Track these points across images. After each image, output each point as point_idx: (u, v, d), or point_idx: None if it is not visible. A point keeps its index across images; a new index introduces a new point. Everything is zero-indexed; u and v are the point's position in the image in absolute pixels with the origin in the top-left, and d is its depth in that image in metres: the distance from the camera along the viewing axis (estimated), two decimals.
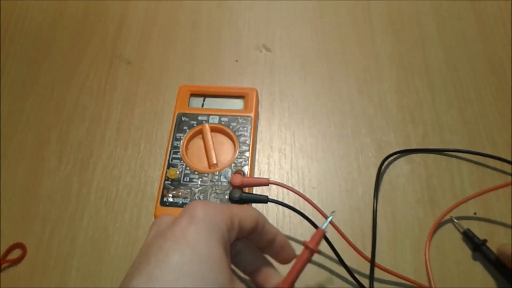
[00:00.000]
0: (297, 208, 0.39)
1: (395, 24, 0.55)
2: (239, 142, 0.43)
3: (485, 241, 0.40)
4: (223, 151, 0.43)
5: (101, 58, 0.54)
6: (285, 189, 0.43)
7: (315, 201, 0.41)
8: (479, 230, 0.42)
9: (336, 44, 0.54)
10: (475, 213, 0.43)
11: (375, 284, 0.39)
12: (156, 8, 0.57)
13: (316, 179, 0.45)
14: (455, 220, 0.42)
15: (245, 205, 0.28)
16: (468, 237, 0.41)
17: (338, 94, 0.50)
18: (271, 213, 0.43)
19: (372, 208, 0.43)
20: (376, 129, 0.48)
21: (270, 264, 0.31)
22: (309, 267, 0.40)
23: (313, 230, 0.40)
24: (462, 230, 0.41)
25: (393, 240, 0.41)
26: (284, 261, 0.31)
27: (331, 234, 0.39)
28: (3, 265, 0.41)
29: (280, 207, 0.43)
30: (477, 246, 0.40)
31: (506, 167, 0.45)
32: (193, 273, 0.23)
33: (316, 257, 0.41)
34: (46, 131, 0.49)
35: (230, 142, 0.44)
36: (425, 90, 0.50)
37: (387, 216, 0.43)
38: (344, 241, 0.40)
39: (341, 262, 0.40)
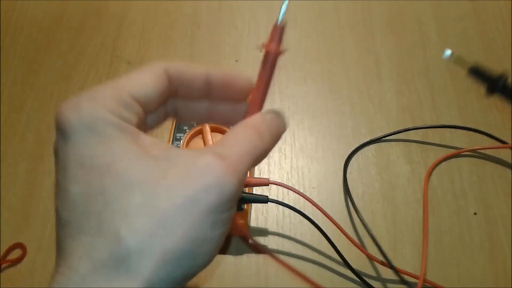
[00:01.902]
0: (297, 208, 0.39)
1: (395, 24, 0.55)
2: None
3: (503, 77, 0.30)
4: None
5: (101, 58, 0.54)
6: (285, 189, 0.43)
7: (315, 201, 0.41)
8: (479, 230, 0.42)
9: (336, 44, 0.54)
10: (475, 213, 0.43)
11: (377, 283, 0.39)
12: (156, 8, 0.57)
13: (316, 179, 0.45)
14: (454, 56, 0.31)
15: (143, 69, 0.22)
16: (480, 72, 0.30)
17: (338, 94, 0.50)
18: (271, 213, 0.43)
19: (371, 208, 0.43)
20: (376, 129, 0.48)
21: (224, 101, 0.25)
22: (310, 266, 0.40)
23: (314, 230, 0.40)
24: (469, 65, 0.30)
25: (393, 240, 0.41)
26: (241, 96, 0.25)
27: (331, 234, 0.40)
28: (3, 265, 0.41)
29: (280, 207, 0.43)
30: (493, 84, 0.30)
31: (506, 166, 0.45)
32: (96, 193, 0.19)
33: (316, 257, 0.41)
34: (46, 131, 0.49)
35: None
36: (425, 90, 0.50)
37: (387, 216, 0.43)
38: (344, 241, 0.40)
39: (343, 260, 0.40)
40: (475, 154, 0.46)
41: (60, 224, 0.20)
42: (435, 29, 0.55)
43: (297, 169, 0.46)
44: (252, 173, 0.44)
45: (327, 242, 0.39)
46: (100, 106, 0.20)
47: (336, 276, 0.40)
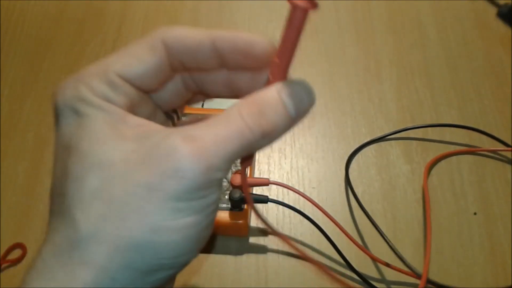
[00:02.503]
0: (297, 208, 0.39)
1: (395, 24, 0.55)
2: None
3: None
4: None
5: (101, 58, 0.53)
6: (285, 189, 0.43)
7: (315, 201, 0.41)
8: (479, 230, 0.42)
9: (336, 44, 0.54)
10: (475, 213, 0.43)
11: (378, 283, 0.39)
12: (156, 8, 0.57)
13: (316, 179, 0.45)
14: None
15: (135, 43, 0.20)
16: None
17: (338, 94, 0.50)
18: (271, 213, 0.43)
19: (371, 208, 0.43)
20: (376, 129, 0.48)
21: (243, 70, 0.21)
22: (310, 266, 0.40)
23: (314, 230, 0.40)
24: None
25: (393, 240, 0.41)
26: (259, 63, 0.20)
27: (332, 234, 0.40)
28: (3, 265, 0.41)
29: (280, 207, 0.43)
30: None
31: (506, 166, 0.45)
32: (69, 176, 0.18)
33: (316, 257, 0.41)
34: (46, 131, 0.49)
35: None
36: (425, 90, 0.50)
37: (387, 216, 0.43)
38: (345, 241, 0.40)
39: (344, 260, 0.40)
40: (475, 153, 0.46)
41: (52, 198, 0.19)
42: (435, 29, 0.55)
43: (297, 169, 0.46)
44: (252, 173, 0.44)
45: (327, 242, 0.39)
46: (84, 87, 0.19)
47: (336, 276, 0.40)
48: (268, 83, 0.19)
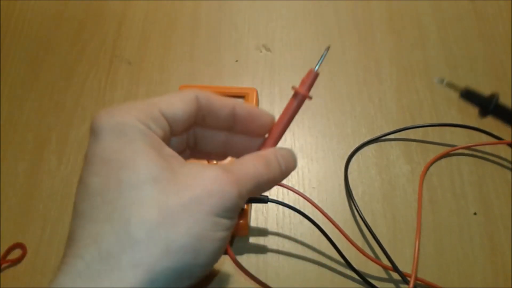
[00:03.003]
0: (297, 208, 0.39)
1: (395, 24, 0.55)
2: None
3: (494, 97, 0.28)
4: None
5: (101, 58, 0.54)
6: (285, 189, 0.43)
7: (315, 201, 0.41)
8: (479, 230, 0.42)
9: (336, 44, 0.54)
10: (475, 213, 0.43)
11: (378, 283, 0.39)
12: (156, 8, 0.57)
13: (316, 179, 0.45)
14: (445, 81, 0.29)
15: (176, 93, 0.25)
16: (471, 96, 0.29)
17: (338, 94, 0.50)
18: (271, 213, 0.43)
19: (371, 208, 0.43)
20: (376, 129, 0.48)
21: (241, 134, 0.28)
22: (310, 266, 0.40)
23: (314, 230, 0.40)
24: (460, 89, 0.29)
25: (393, 240, 0.41)
26: (262, 131, 0.27)
27: (332, 234, 0.40)
28: (3, 265, 0.41)
29: (280, 207, 0.43)
30: (485, 105, 0.29)
31: (506, 166, 0.45)
32: (113, 184, 0.21)
33: (316, 257, 0.41)
34: (46, 131, 0.49)
35: None
36: (425, 90, 0.50)
37: (387, 216, 0.43)
38: (345, 241, 0.40)
39: (344, 260, 0.40)
40: (475, 153, 0.46)
41: (75, 216, 0.21)
42: (435, 29, 0.55)
43: (297, 169, 0.46)
44: None
45: (328, 242, 0.39)
46: (130, 115, 0.22)
47: (337, 276, 0.40)
48: (262, 146, 0.26)
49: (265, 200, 0.39)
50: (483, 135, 0.47)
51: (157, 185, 0.20)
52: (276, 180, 0.25)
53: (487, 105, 0.28)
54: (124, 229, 0.19)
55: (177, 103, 0.24)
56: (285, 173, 0.26)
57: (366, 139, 0.47)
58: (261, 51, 0.54)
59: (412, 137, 0.47)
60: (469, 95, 0.29)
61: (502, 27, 0.55)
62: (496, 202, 0.43)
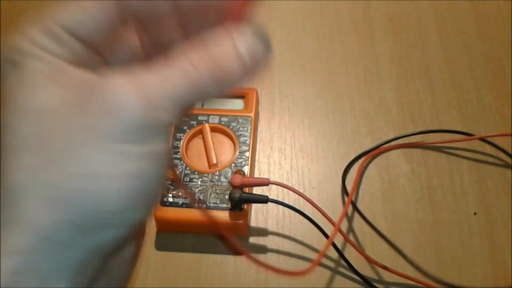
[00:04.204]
0: (297, 208, 0.39)
1: (395, 24, 0.55)
2: (239, 142, 0.43)
3: None
4: (223, 151, 0.43)
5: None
6: (285, 189, 0.43)
7: (315, 201, 0.41)
8: (479, 230, 0.42)
9: (336, 44, 0.54)
10: (475, 213, 0.43)
11: (378, 283, 0.39)
12: None
13: (316, 179, 0.45)
14: None
15: None
16: None
17: (338, 94, 0.50)
18: (271, 213, 0.43)
19: (371, 208, 0.43)
20: (376, 129, 0.48)
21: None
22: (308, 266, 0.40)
23: (314, 230, 0.40)
24: None
25: (393, 240, 0.41)
26: (219, 19, 0.19)
27: (330, 233, 0.40)
28: None
29: (280, 207, 0.43)
30: None
31: (506, 166, 0.45)
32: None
33: (316, 256, 0.41)
34: None
35: (230, 142, 0.44)
36: (425, 90, 0.50)
37: (387, 216, 0.43)
38: (344, 242, 0.40)
39: (344, 260, 0.40)
40: (475, 153, 0.46)
41: None
42: (435, 29, 0.55)
43: (297, 169, 0.46)
44: (252, 173, 0.44)
45: (327, 239, 0.39)
46: (23, 38, 0.17)
47: (337, 276, 0.40)
48: (221, 21, 0.18)
49: (265, 200, 0.39)
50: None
51: (37, 121, 0.16)
52: (234, 77, 0.17)
53: None
54: (3, 180, 0.16)
55: (81, 9, 0.18)
56: (251, 67, 0.17)
57: (366, 139, 0.47)
58: None
59: (413, 138, 0.47)
60: None
61: (502, 27, 0.55)
62: (496, 202, 0.43)
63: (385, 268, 0.39)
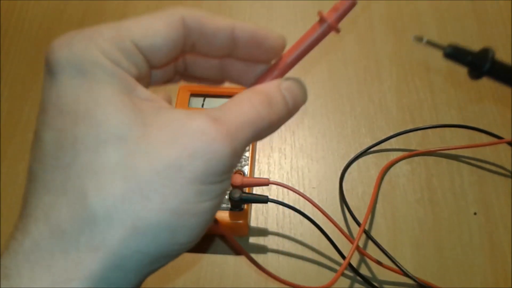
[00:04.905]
0: (297, 208, 0.39)
1: (395, 24, 0.55)
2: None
3: (488, 52, 0.22)
4: None
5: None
6: (285, 189, 0.43)
7: (315, 201, 0.41)
8: (479, 230, 0.42)
9: (336, 44, 0.54)
10: (475, 213, 0.43)
11: (378, 283, 0.39)
12: (156, 8, 0.57)
13: (316, 179, 0.45)
14: (425, 39, 0.25)
15: (155, 14, 0.19)
16: (459, 53, 0.23)
17: (338, 94, 0.50)
18: (271, 213, 0.43)
19: (371, 209, 0.43)
20: (376, 129, 0.48)
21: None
22: (310, 266, 0.40)
23: (314, 230, 0.40)
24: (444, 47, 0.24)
25: (393, 240, 0.41)
26: (268, 57, 0.21)
27: (332, 234, 0.40)
28: None
29: (280, 207, 0.43)
30: (478, 63, 0.23)
31: (506, 168, 0.45)
32: (69, 143, 0.16)
33: (316, 257, 0.41)
34: None
35: None
36: (425, 90, 0.50)
37: (387, 216, 0.43)
38: (345, 241, 0.40)
39: (344, 260, 0.39)
40: (475, 153, 0.46)
41: (29, 178, 0.17)
42: (435, 29, 0.55)
43: (297, 169, 0.46)
44: (252, 173, 0.44)
45: (327, 242, 0.39)
46: (95, 47, 0.17)
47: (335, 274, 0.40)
48: (264, 77, 0.21)
49: (265, 200, 0.39)
50: (483, 136, 0.47)
51: (122, 146, 0.16)
52: (281, 121, 0.20)
53: (480, 63, 0.22)
54: (81, 203, 0.15)
55: (156, 28, 0.18)
56: (293, 111, 0.21)
57: (366, 139, 0.47)
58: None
59: (412, 137, 0.47)
60: (456, 53, 0.23)
61: (502, 27, 0.55)
62: (496, 202, 0.43)
63: (378, 263, 0.39)
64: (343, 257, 0.39)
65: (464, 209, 0.43)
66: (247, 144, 0.18)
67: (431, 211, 0.43)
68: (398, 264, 0.38)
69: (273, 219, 0.43)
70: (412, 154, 0.46)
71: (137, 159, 0.16)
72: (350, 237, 0.40)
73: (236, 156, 0.17)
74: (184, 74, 0.23)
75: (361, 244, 0.41)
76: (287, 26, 0.56)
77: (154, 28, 0.18)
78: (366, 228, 0.42)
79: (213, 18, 0.20)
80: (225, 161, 0.17)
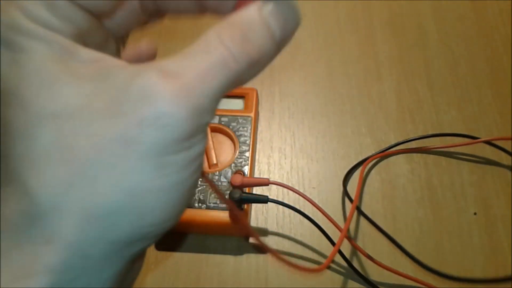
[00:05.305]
0: (297, 208, 0.39)
1: (395, 24, 0.55)
2: (239, 142, 0.43)
3: None
4: (223, 151, 0.43)
5: None
6: (285, 189, 0.43)
7: (315, 201, 0.41)
8: (479, 230, 0.42)
9: (336, 44, 0.54)
10: (475, 213, 0.43)
11: (379, 283, 0.39)
12: None
13: (316, 179, 0.45)
14: None
15: None
16: None
17: (338, 94, 0.50)
18: (271, 213, 0.43)
19: (371, 208, 0.43)
20: (376, 129, 0.48)
21: None
22: (310, 266, 0.40)
23: (314, 229, 0.40)
24: None
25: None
26: None
27: (332, 234, 0.40)
28: None
29: (280, 207, 0.43)
30: None
31: (506, 166, 0.45)
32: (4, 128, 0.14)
33: (316, 257, 0.41)
34: None
35: (230, 142, 0.44)
36: (425, 90, 0.50)
37: (387, 216, 0.43)
38: (345, 241, 0.40)
39: (345, 259, 0.40)
40: (475, 153, 0.46)
41: None
42: (435, 29, 0.55)
43: (297, 169, 0.46)
44: (252, 173, 0.44)
45: (328, 242, 0.39)
46: (18, 11, 0.14)
47: (336, 276, 0.40)
48: (244, 1, 0.16)
49: (265, 200, 0.39)
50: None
51: (58, 124, 0.14)
52: (266, 57, 0.16)
53: None
54: (25, 195, 0.14)
55: None
56: (282, 42, 0.16)
57: (366, 139, 0.47)
58: None
59: (412, 136, 0.47)
60: None
61: (502, 27, 0.55)
62: (496, 202, 0.43)
63: (369, 257, 0.39)
64: (343, 257, 0.39)
65: (464, 209, 0.43)
66: (221, 94, 0.15)
67: (431, 211, 0.43)
68: (392, 238, 0.38)
69: (273, 219, 0.43)
70: (410, 150, 0.46)
71: (77, 137, 0.14)
72: (348, 236, 0.40)
73: (201, 114, 0.14)
74: (156, 13, 0.19)
75: (361, 244, 0.41)
76: None
77: None
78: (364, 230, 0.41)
79: None
80: (183, 124, 0.14)
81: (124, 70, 0.14)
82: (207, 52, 0.14)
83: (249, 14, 0.15)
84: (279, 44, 0.16)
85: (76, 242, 0.14)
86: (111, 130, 0.14)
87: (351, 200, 0.43)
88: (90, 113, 0.14)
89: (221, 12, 0.18)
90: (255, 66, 0.16)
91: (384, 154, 0.46)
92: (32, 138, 0.14)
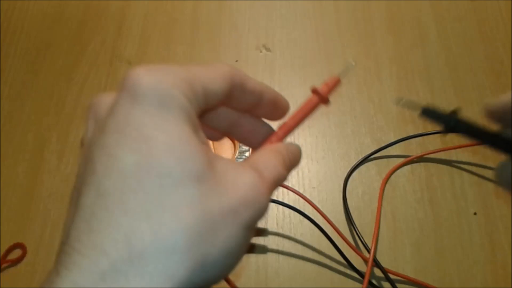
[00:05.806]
0: (297, 208, 0.39)
1: (395, 24, 0.55)
2: (239, 142, 0.43)
3: (454, 114, 0.29)
4: (223, 151, 0.43)
5: (101, 58, 0.54)
6: (285, 189, 0.43)
7: (315, 201, 0.41)
8: (479, 230, 0.42)
9: (336, 44, 0.54)
10: (475, 213, 0.43)
11: (377, 282, 0.39)
12: (156, 8, 0.57)
13: (316, 179, 0.45)
14: (402, 101, 0.28)
15: (212, 66, 0.21)
16: (431, 114, 0.29)
17: (338, 94, 0.50)
18: (271, 213, 0.43)
19: (371, 208, 0.43)
20: (376, 129, 0.48)
21: (254, 116, 0.25)
22: (310, 266, 0.40)
23: (314, 229, 0.40)
24: (420, 107, 0.28)
25: (393, 240, 0.41)
26: (278, 117, 0.25)
27: (332, 234, 0.40)
28: (3, 265, 0.41)
29: (280, 207, 0.43)
30: (448, 123, 0.28)
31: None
32: (155, 171, 0.17)
33: (316, 257, 0.41)
34: (46, 131, 0.49)
35: (230, 142, 0.44)
36: (425, 90, 0.50)
37: (387, 216, 0.43)
38: (343, 242, 0.40)
39: (344, 259, 0.40)
40: (475, 152, 0.46)
41: (95, 193, 0.17)
42: (435, 29, 0.55)
43: (297, 169, 0.46)
44: None
45: (327, 242, 0.39)
46: (173, 83, 0.18)
47: (337, 276, 0.40)
48: (273, 138, 0.24)
49: None
50: None
51: (201, 185, 0.17)
52: (282, 178, 0.22)
53: (449, 122, 0.28)
54: (163, 232, 0.16)
55: (217, 79, 0.20)
56: (289, 169, 0.23)
57: (366, 139, 0.47)
58: (261, 51, 0.54)
59: (414, 140, 0.47)
60: (429, 113, 0.28)
61: (502, 27, 0.55)
62: (496, 202, 0.43)
63: (377, 265, 0.39)
64: (344, 257, 0.39)
65: (464, 209, 0.43)
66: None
67: (431, 211, 0.43)
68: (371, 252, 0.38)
69: (273, 219, 0.43)
70: (412, 159, 0.46)
71: (210, 199, 0.17)
72: (346, 238, 0.40)
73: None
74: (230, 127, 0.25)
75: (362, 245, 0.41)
76: (287, 26, 0.56)
77: (216, 78, 0.20)
78: (367, 230, 0.41)
79: (251, 79, 0.22)
80: (265, 209, 0.20)
81: (228, 161, 0.20)
82: (273, 165, 0.21)
83: (283, 149, 0.23)
84: (289, 173, 0.23)
85: (184, 283, 0.17)
86: (230, 202, 0.18)
87: (346, 202, 0.43)
88: (219, 184, 0.18)
89: (246, 141, 0.25)
90: (278, 182, 0.22)
91: (390, 172, 0.46)
92: (183, 189, 0.17)
